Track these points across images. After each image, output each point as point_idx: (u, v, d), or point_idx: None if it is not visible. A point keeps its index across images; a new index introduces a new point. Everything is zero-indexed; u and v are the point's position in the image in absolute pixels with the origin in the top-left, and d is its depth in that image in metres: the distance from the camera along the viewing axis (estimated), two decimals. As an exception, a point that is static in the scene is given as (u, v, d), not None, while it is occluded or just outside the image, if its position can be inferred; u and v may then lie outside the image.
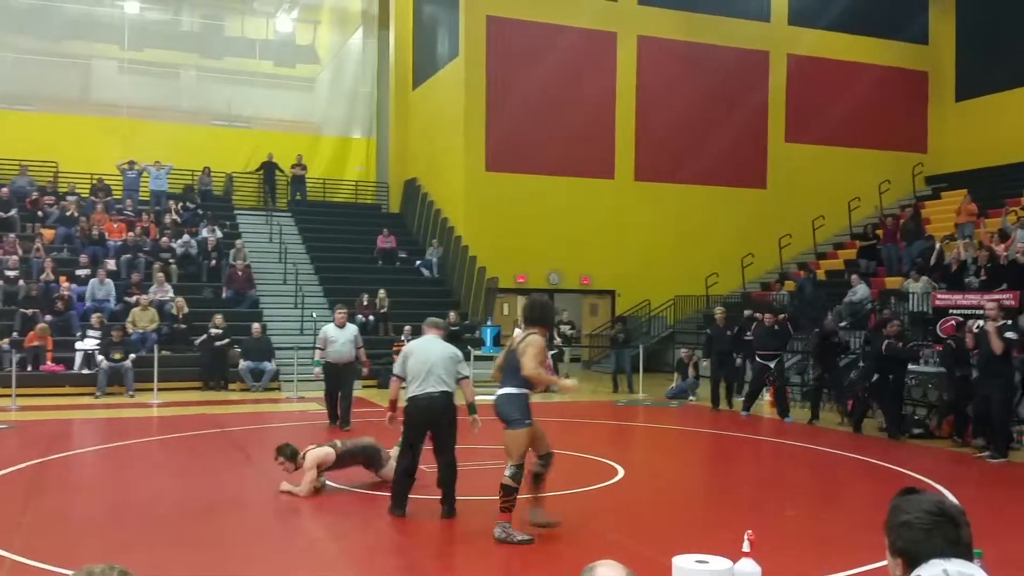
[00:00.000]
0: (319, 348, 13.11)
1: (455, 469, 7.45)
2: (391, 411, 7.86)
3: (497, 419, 6.76)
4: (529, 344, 6.64)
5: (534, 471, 6.86)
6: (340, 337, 12.89)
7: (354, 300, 19.89)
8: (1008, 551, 6.35)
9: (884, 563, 2.40)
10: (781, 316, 15.83)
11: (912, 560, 2.26)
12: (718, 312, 16.51)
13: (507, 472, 6.63)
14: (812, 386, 15.13)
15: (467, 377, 7.58)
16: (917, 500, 2.35)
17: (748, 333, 15.47)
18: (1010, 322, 11.19)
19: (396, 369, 7.63)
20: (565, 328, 21.78)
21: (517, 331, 7.54)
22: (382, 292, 20.36)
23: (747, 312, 17.57)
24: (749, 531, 4.26)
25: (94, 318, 17.81)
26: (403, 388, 7.55)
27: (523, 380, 6.67)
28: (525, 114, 23.30)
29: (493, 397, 6.83)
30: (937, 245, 19.09)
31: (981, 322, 11.27)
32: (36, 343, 17.16)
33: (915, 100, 27.29)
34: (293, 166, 25.64)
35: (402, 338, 17.07)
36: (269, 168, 25.75)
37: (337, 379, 12.89)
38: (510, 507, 6.67)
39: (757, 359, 14.93)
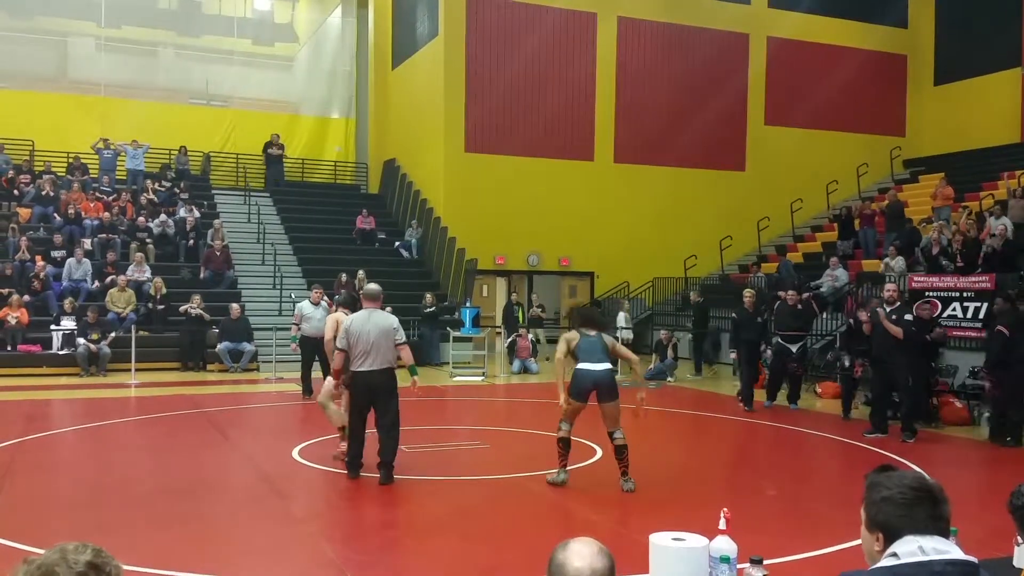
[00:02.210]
0: (295, 324, 14.19)
1: (396, 437, 8.03)
2: (336, 379, 8.46)
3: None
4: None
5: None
6: (315, 314, 13.88)
7: (332, 281, 19.82)
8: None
9: (858, 542, 2.43)
10: (806, 295, 14.68)
11: (892, 535, 2.28)
12: (747, 295, 13.95)
13: (621, 435, 7.77)
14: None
15: (404, 343, 8.14)
16: (899, 476, 2.37)
17: (769, 314, 14.18)
18: (901, 304, 11.27)
19: (340, 343, 8.11)
20: (537, 310, 21.79)
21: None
22: (361, 272, 20.26)
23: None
24: (725, 509, 4.29)
25: (67, 303, 17.69)
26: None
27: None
28: (505, 95, 23.21)
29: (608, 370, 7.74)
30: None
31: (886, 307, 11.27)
32: (12, 315, 17.02)
33: (894, 84, 27.38)
34: (271, 145, 25.47)
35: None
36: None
37: (313, 352, 13.81)
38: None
39: (778, 341, 13.61)
